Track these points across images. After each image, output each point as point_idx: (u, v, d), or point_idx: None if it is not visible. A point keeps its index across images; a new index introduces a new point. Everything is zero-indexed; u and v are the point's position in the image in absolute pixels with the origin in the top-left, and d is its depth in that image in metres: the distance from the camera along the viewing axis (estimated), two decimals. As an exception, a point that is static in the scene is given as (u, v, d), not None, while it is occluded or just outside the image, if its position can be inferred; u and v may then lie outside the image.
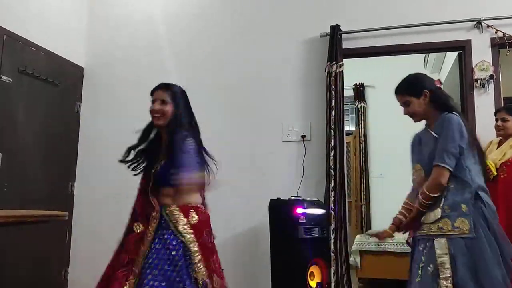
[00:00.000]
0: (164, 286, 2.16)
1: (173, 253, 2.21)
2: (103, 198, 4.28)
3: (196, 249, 2.24)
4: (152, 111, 2.40)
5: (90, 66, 4.68)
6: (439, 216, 2.18)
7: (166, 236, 2.25)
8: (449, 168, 2.18)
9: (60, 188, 4.33)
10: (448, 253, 2.11)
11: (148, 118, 2.48)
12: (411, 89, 2.41)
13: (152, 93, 2.44)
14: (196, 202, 2.40)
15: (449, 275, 2.09)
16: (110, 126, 4.46)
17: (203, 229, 2.33)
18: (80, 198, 4.45)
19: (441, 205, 2.19)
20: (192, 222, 2.30)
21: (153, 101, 2.41)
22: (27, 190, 3.86)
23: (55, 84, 4.23)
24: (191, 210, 2.33)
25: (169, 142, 2.34)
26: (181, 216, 2.29)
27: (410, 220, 2.36)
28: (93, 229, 4.27)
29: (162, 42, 4.51)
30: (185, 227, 2.27)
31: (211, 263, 2.29)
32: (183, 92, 2.49)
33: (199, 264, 2.22)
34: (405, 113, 2.45)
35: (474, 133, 2.39)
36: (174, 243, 2.23)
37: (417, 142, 2.46)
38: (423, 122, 2.49)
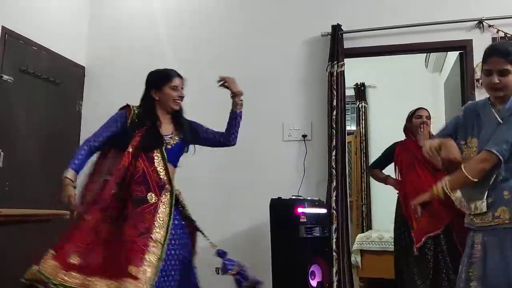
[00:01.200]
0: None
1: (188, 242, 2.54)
2: (104, 197, 4.28)
3: None
4: (178, 97, 2.60)
5: (91, 65, 4.69)
6: (483, 210, 1.99)
7: (179, 217, 2.49)
8: (501, 158, 1.94)
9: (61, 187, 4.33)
10: (481, 249, 1.98)
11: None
12: None
13: (173, 80, 2.62)
14: None
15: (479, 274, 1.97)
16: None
17: None
18: (81, 197, 4.45)
19: (485, 197, 2.00)
20: None
21: (176, 87, 2.60)
22: (28, 189, 3.86)
23: (56, 83, 4.23)
24: None
25: (184, 124, 2.65)
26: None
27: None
28: (94, 228, 4.27)
29: (164, 41, 4.52)
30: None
31: None
32: None
33: None
34: (492, 82, 2.03)
35: None
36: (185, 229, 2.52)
37: (475, 115, 2.15)
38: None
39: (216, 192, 4.07)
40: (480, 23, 3.78)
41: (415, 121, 3.55)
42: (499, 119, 2.03)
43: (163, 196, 2.39)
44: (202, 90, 4.29)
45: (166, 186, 2.41)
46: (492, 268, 1.93)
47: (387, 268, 4.83)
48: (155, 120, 2.54)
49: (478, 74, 3.70)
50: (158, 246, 2.24)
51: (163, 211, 2.35)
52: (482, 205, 2.00)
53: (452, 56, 4.69)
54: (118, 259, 2.18)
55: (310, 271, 3.29)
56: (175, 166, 2.57)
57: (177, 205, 2.51)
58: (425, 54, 5.74)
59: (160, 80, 2.61)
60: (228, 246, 3.88)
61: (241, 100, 2.81)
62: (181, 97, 2.62)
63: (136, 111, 2.55)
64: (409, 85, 6.15)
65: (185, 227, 2.52)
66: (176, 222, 2.43)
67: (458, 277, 2.12)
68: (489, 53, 2.07)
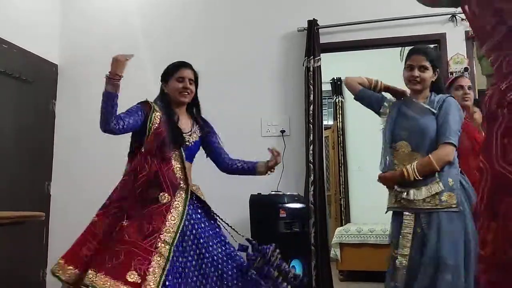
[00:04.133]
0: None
1: (219, 230, 2.49)
2: (80, 197, 4.21)
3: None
4: (183, 88, 2.48)
5: (65, 63, 4.59)
6: (437, 191, 2.21)
7: (202, 214, 2.44)
8: (456, 146, 2.25)
9: (36, 188, 4.25)
10: (412, 229, 2.25)
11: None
12: (435, 59, 2.44)
13: (179, 70, 2.54)
14: None
15: (407, 253, 2.23)
16: (86, 124, 4.37)
17: None
18: (57, 198, 4.37)
19: (436, 180, 2.24)
20: None
21: (183, 79, 2.50)
22: (1, 190, 3.77)
23: (28, 82, 4.13)
24: None
25: (200, 120, 2.58)
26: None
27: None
28: (71, 229, 4.16)
29: (139, 36, 4.44)
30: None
31: None
32: None
33: None
34: (413, 75, 2.40)
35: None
36: (213, 223, 2.48)
37: (395, 114, 2.47)
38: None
39: (195, 190, 4.04)
40: (453, 17, 3.84)
41: (456, 93, 2.90)
42: (431, 109, 2.33)
43: (178, 195, 2.31)
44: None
45: (181, 185, 2.34)
46: (431, 245, 2.16)
47: (366, 261, 4.90)
48: (172, 114, 2.43)
49: (452, 67, 3.77)
50: (166, 247, 2.15)
51: (176, 211, 2.27)
52: (437, 186, 2.22)
53: (426, 50, 4.75)
54: (118, 260, 2.08)
55: (290, 266, 3.30)
56: (191, 162, 2.51)
57: (197, 202, 2.46)
58: (400, 48, 5.79)
59: (167, 73, 2.55)
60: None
61: (272, 171, 2.68)
62: (186, 89, 2.48)
63: (156, 108, 2.40)
64: (384, 79, 6.19)
65: (207, 220, 2.47)
66: (196, 216, 2.39)
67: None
68: (412, 52, 2.46)
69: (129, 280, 2.03)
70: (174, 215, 2.25)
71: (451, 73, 3.75)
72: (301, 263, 3.37)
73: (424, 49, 2.47)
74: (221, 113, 4.14)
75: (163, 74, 2.57)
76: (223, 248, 2.39)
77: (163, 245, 2.15)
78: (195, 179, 2.58)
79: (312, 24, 3.98)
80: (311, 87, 3.90)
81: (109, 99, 2.18)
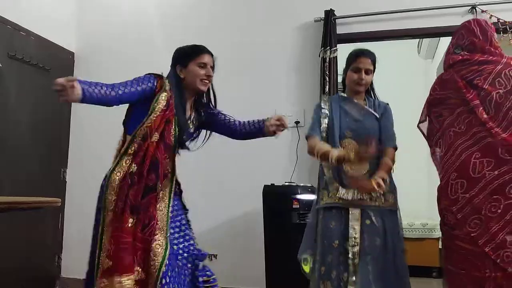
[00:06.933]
0: None
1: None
2: (96, 184, 4.23)
3: None
4: (205, 76, 2.31)
5: (81, 51, 4.62)
6: (385, 191, 2.41)
7: (179, 206, 2.35)
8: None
9: (52, 174, 4.31)
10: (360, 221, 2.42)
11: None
12: (375, 63, 2.56)
13: (201, 55, 2.32)
14: None
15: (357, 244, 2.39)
16: (102, 112, 4.38)
17: None
18: (72, 185, 4.43)
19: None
20: None
21: (205, 65, 2.31)
22: (18, 176, 3.83)
23: (46, 69, 4.17)
24: None
25: (202, 111, 2.42)
26: None
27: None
28: (85, 215, 4.23)
29: (154, 25, 4.46)
30: None
31: None
32: None
33: None
34: (361, 78, 2.49)
35: None
36: (184, 216, 2.36)
37: (338, 111, 2.56)
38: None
39: (209, 179, 4.06)
40: (473, 8, 3.77)
41: None
42: (375, 113, 2.53)
43: (165, 185, 2.25)
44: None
45: (169, 174, 2.26)
46: (386, 237, 2.41)
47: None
48: (184, 105, 2.28)
49: (470, 59, 3.69)
50: (162, 234, 2.13)
51: (163, 202, 2.22)
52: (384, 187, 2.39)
53: (445, 42, 4.67)
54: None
55: (302, 258, 3.31)
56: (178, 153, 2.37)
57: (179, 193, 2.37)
58: (418, 40, 5.72)
59: (186, 56, 2.32)
60: (221, 232, 3.92)
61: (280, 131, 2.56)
62: (209, 77, 2.31)
63: (166, 87, 2.24)
64: (401, 71, 6.14)
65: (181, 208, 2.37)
66: (177, 204, 2.32)
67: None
68: (359, 54, 2.51)
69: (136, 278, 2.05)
70: (161, 205, 2.21)
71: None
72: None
73: (369, 52, 2.54)
74: (235, 103, 4.13)
75: (180, 57, 2.35)
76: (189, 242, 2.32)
77: (163, 233, 2.14)
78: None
79: (329, 15, 3.94)
80: (327, 78, 3.86)
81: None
